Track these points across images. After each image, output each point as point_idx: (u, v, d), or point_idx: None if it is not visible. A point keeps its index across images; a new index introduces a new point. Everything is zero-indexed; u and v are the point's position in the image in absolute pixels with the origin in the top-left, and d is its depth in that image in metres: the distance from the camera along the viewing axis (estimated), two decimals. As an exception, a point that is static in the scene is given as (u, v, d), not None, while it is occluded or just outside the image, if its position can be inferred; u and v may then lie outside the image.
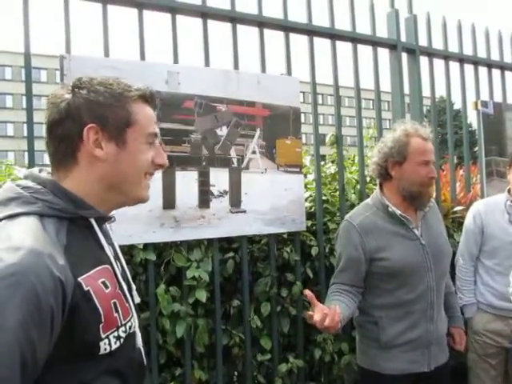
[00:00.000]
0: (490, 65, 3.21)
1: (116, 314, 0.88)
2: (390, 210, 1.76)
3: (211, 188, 2.12)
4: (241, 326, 2.25)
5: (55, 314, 0.75)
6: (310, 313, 1.51)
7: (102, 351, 0.84)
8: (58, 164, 0.92)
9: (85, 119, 0.89)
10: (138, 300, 1.04)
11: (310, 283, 2.47)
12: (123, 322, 0.90)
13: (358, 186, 2.69)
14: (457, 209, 2.81)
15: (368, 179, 2.86)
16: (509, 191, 2.20)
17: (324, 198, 2.59)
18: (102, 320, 0.84)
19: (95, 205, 0.91)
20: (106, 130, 0.90)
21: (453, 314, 1.94)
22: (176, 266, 2.06)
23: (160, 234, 1.96)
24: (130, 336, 0.93)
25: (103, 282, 0.86)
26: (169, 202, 2.00)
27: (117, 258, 0.99)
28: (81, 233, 0.89)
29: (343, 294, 1.74)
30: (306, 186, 2.60)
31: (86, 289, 0.82)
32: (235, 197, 2.17)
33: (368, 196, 2.70)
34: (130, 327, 0.93)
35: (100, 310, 0.83)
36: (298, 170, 2.36)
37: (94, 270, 0.86)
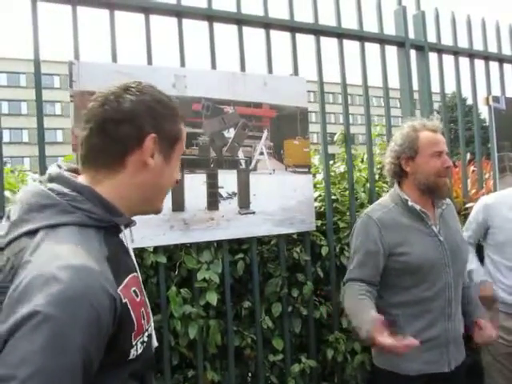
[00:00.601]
0: (501, 59, 3.16)
1: (143, 322, 0.88)
2: (410, 204, 1.75)
3: (220, 190, 2.13)
4: (252, 327, 2.26)
5: (109, 330, 0.76)
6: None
7: (130, 357, 0.85)
8: (101, 164, 0.89)
9: (146, 127, 0.88)
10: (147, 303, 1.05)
11: (321, 283, 2.47)
12: (147, 327, 0.91)
13: (368, 185, 2.68)
14: (469, 205, 2.77)
15: (377, 177, 2.85)
16: None
17: (333, 197, 2.59)
18: (135, 329, 0.84)
19: (125, 211, 0.91)
20: (161, 141, 0.91)
21: (475, 308, 1.86)
22: (187, 268, 2.07)
23: (170, 236, 1.98)
24: (150, 339, 0.94)
25: (134, 291, 0.86)
26: (178, 205, 2.02)
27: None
28: (113, 241, 0.88)
29: (369, 297, 1.68)
30: (315, 186, 2.59)
31: (124, 301, 0.81)
32: (244, 198, 2.17)
33: (378, 194, 2.70)
34: (150, 331, 0.94)
35: (134, 320, 0.84)
36: (306, 170, 2.36)
37: (127, 279, 0.85)
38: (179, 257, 2.06)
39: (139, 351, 0.87)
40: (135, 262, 0.98)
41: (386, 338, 1.44)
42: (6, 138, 38.02)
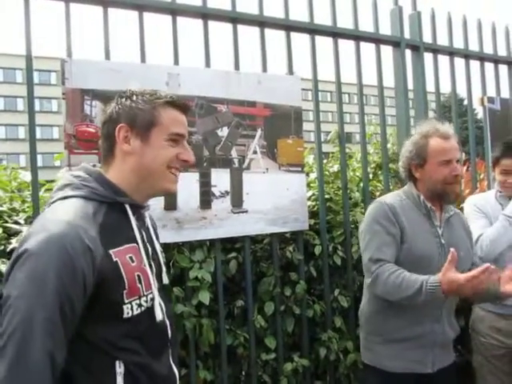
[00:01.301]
0: (496, 60, 3.17)
1: (139, 285, 1.04)
2: (422, 198, 1.78)
3: (212, 189, 2.12)
4: (245, 326, 2.26)
5: (86, 275, 0.93)
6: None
7: (125, 315, 1.01)
8: (104, 158, 1.13)
9: (120, 120, 1.09)
10: (166, 281, 1.22)
11: (314, 282, 2.47)
12: (145, 293, 1.06)
13: (362, 184, 2.68)
14: (463, 205, 2.78)
15: (371, 176, 2.85)
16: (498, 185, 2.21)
17: (327, 196, 2.59)
18: (126, 287, 1.01)
19: (130, 194, 1.09)
20: (135, 128, 1.09)
21: None
22: (179, 266, 2.07)
23: (162, 235, 1.95)
24: (151, 308, 1.08)
25: (130, 257, 1.04)
26: (170, 204, 2.01)
27: (150, 241, 1.16)
28: (116, 215, 1.06)
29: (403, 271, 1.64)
30: (308, 185, 2.59)
31: (114, 260, 1.00)
32: (237, 197, 2.17)
33: (372, 193, 2.71)
34: (151, 299, 1.08)
35: (125, 278, 1.01)
36: (299, 169, 2.36)
37: (124, 247, 1.04)
38: (171, 256, 2.06)
39: (135, 312, 1.03)
40: (151, 240, 1.17)
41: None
42: (1, 134, 37.88)
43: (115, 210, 1.06)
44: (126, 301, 1.01)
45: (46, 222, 0.97)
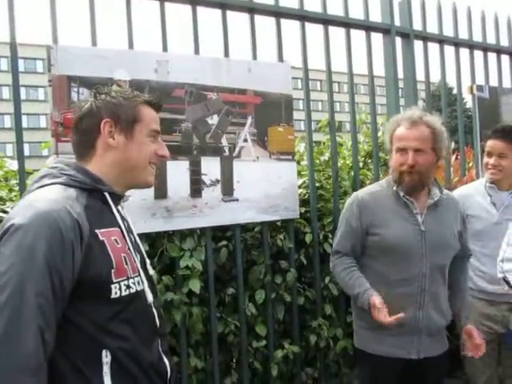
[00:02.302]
0: (485, 48, 3.18)
1: (126, 267, 1.06)
2: (395, 189, 1.78)
3: (203, 177, 2.11)
4: (236, 314, 2.27)
5: (75, 249, 0.95)
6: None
7: (113, 295, 1.01)
8: (81, 153, 1.13)
9: (103, 116, 1.11)
10: (152, 272, 1.23)
11: (304, 270, 2.48)
12: (132, 275, 1.07)
13: (352, 172, 2.69)
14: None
15: (361, 165, 2.86)
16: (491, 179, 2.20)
17: (318, 184, 2.59)
18: (114, 266, 1.02)
19: (111, 184, 1.12)
20: (119, 124, 1.12)
21: (467, 314, 1.90)
22: (169, 255, 2.06)
23: (152, 223, 1.96)
24: (140, 292, 1.10)
25: (115, 240, 1.06)
26: (160, 192, 2.00)
27: (130, 231, 1.17)
28: (96, 202, 1.08)
29: (357, 269, 1.83)
30: (299, 173, 2.59)
31: (101, 239, 1.02)
32: (227, 185, 2.16)
33: (362, 182, 2.71)
34: (138, 283, 1.09)
35: (112, 257, 1.03)
36: (290, 157, 2.35)
37: (108, 229, 1.06)
38: (162, 244, 2.05)
39: (123, 293, 1.03)
40: (131, 230, 1.18)
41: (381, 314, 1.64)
42: (-13, 123, 37.25)
43: (96, 198, 1.09)
44: (115, 280, 1.02)
45: (31, 202, 0.98)
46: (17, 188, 1.96)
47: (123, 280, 1.04)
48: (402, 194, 1.76)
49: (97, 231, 1.02)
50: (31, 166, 2.22)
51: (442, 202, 1.82)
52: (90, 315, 0.99)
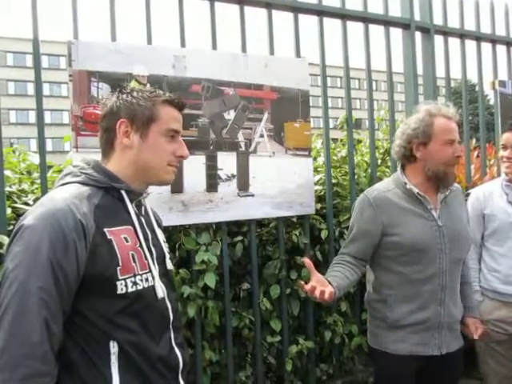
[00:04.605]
0: (509, 43, 3.11)
1: (133, 264, 1.09)
2: (408, 187, 1.75)
3: (219, 172, 2.13)
4: (250, 309, 2.28)
5: (78, 248, 0.99)
6: (302, 282, 1.57)
7: (118, 291, 1.05)
8: (103, 150, 1.19)
9: (121, 115, 1.14)
10: (170, 266, 1.25)
11: (320, 266, 2.47)
12: (139, 272, 1.10)
13: (370, 170, 2.67)
14: (471, 191, 2.76)
15: (379, 162, 2.84)
16: (505, 173, 2.15)
17: (334, 181, 2.58)
18: (120, 264, 1.05)
19: (127, 182, 1.15)
20: (135, 124, 1.14)
21: (468, 304, 1.91)
22: (185, 249, 2.09)
23: (168, 217, 1.99)
24: (149, 288, 1.12)
25: (125, 238, 1.09)
26: (177, 186, 2.02)
27: (150, 227, 1.20)
28: (112, 200, 1.12)
29: (345, 264, 1.77)
30: (316, 170, 2.58)
31: (108, 237, 1.06)
32: (243, 180, 2.17)
33: (380, 179, 2.69)
34: (147, 279, 1.11)
35: (118, 255, 1.06)
36: (306, 153, 2.35)
37: (119, 228, 1.09)
38: (178, 238, 2.08)
39: (129, 290, 1.06)
40: (151, 227, 1.21)
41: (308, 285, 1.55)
42: (12, 118, 38.10)
43: (111, 195, 1.12)
44: (120, 277, 1.05)
45: (43, 201, 1.06)
46: (38, 181, 2.01)
47: (130, 277, 1.07)
48: (416, 191, 1.74)
49: (105, 230, 1.06)
50: (55, 161, 2.27)
51: (450, 195, 1.81)
52: (97, 309, 1.04)
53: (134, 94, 1.16)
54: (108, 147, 1.17)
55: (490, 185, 2.25)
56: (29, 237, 0.98)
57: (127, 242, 1.09)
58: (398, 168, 1.84)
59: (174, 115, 1.18)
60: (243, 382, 2.23)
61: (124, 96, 1.16)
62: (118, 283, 1.05)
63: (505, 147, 2.11)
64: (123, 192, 1.14)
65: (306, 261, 1.59)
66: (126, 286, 1.06)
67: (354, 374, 2.56)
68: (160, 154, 1.16)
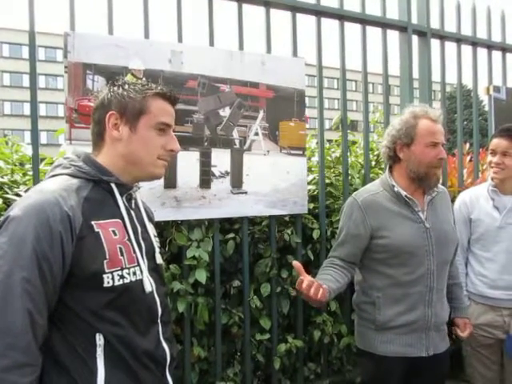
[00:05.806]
0: (504, 49, 3.13)
1: (121, 257, 1.08)
2: (396, 190, 1.77)
3: (213, 168, 2.13)
4: (240, 306, 2.28)
5: (64, 240, 0.99)
6: (302, 277, 1.56)
7: (105, 284, 1.04)
8: (94, 143, 1.18)
9: (111, 107, 1.13)
10: (160, 261, 1.23)
11: (311, 265, 2.48)
12: (127, 266, 1.09)
13: (363, 171, 2.68)
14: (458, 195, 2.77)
15: (373, 164, 2.85)
16: (492, 178, 2.17)
17: (328, 181, 2.59)
18: (107, 257, 1.05)
19: (118, 175, 1.14)
20: (124, 116, 1.13)
21: (458, 305, 1.94)
22: (177, 245, 2.08)
23: (161, 212, 1.98)
24: (138, 282, 1.11)
25: (113, 231, 1.08)
26: (170, 182, 2.02)
27: (141, 221, 1.20)
28: (102, 193, 1.11)
29: (335, 268, 1.78)
30: (310, 169, 2.59)
31: (96, 230, 1.05)
32: (236, 178, 2.17)
33: (373, 180, 2.70)
34: (134, 273, 1.11)
35: (105, 248, 1.05)
36: (300, 152, 2.35)
37: (107, 221, 1.09)
38: (170, 233, 2.07)
39: (116, 283, 1.05)
40: (141, 220, 1.20)
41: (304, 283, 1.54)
42: (7, 110, 37.81)
43: (101, 188, 1.12)
44: (107, 270, 1.05)
45: (31, 193, 1.05)
46: (31, 173, 2.00)
47: (117, 270, 1.06)
48: (404, 193, 1.75)
49: (93, 222, 1.05)
50: (49, 154, 2.26)
51: (437, 197, 1.83)
52: (84, 301, 1.03)
53: (126, 86, 1.16)
54: (99, 139, 1.16)
55: (477, 189, 2.26)
56: (14, 228, 0.97)
57: (115, 235, 1.09)
58: (386, 170, 1.86)
59: (166, 108, 1.17)
60: (231, 379, 2.23)
61: (115, 88, 1.16)
62: (105, 276, 1.04)
63: (493, 153, 2.12)
64: (113, 185, 1.13)
65: (296, 264, 1.59)
66: (112, 279, 1.05)
67: (342, 373, 2.57)
68: (149, 147, 1.14)
